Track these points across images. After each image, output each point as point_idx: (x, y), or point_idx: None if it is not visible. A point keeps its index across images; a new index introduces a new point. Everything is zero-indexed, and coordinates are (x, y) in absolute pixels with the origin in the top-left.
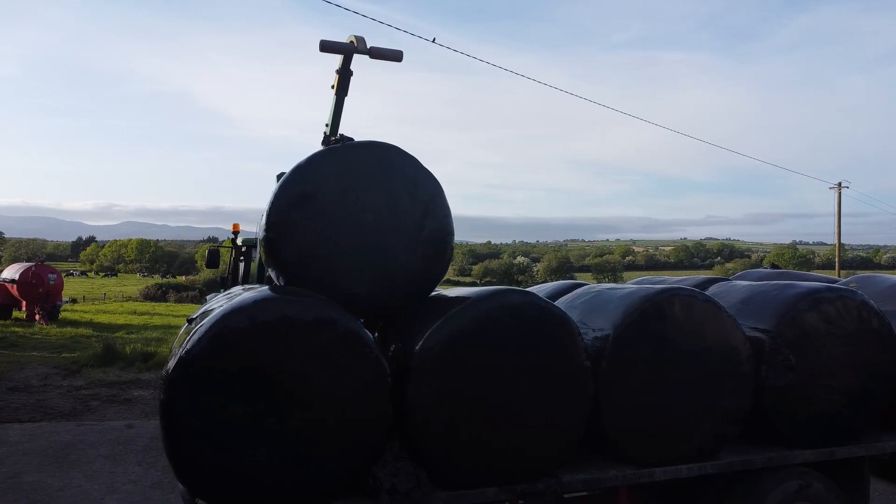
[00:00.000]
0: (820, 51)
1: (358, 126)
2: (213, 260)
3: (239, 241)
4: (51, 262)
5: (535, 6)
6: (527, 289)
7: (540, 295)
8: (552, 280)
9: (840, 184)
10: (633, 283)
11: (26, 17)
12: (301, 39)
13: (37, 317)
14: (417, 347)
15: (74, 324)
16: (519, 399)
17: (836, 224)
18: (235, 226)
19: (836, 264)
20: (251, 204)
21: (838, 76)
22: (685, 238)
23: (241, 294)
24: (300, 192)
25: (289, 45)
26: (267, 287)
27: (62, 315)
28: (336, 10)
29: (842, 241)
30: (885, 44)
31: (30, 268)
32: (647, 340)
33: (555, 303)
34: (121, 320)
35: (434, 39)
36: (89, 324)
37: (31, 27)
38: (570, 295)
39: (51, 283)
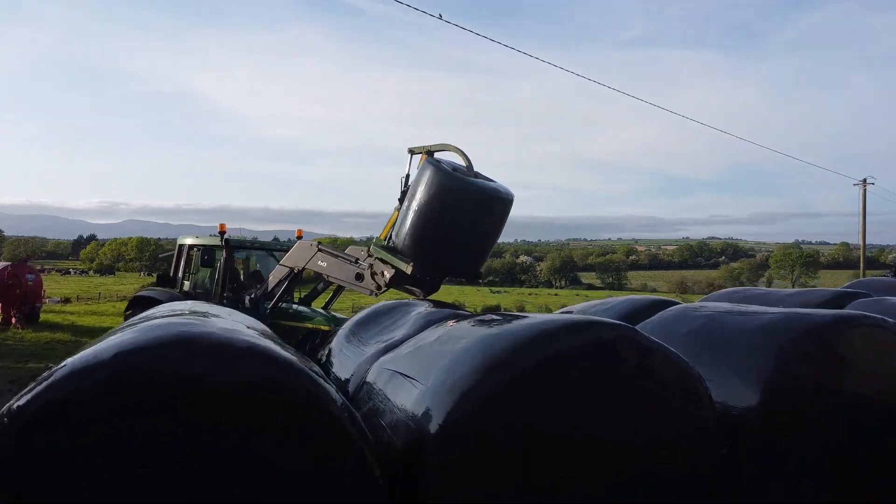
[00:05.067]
0: (825, 49)
1: (361, 125)
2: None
3: (198, 242)
4: (52, 261)
5: (539, 4)
6: (586, 310)
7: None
8: (557, 280)
9: (865, 180)
10: (716, 298)
11: (28, 16)
12: (306, 37)
13: (13, 320)
14: (437, 424)
15: (54, 327)
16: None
17: (861, 223)
18: (222, 226)
19: (861, 264)
20: (257, 203)
21: (844, 75)
22: (688, 237)
23: (162, 318)
24: None
25: (294, 43)
26: (206, 308)
27: (43, 318)
28: (340, 10)
29: (844, 241)
30: (891, 42)
31: (6, 267)
32: (813, 395)
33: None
34: (106, 322)
35: (440, 16)
36: (70, 327)
37: (33, 25)
38: (658, 318)
39: (29, 283)
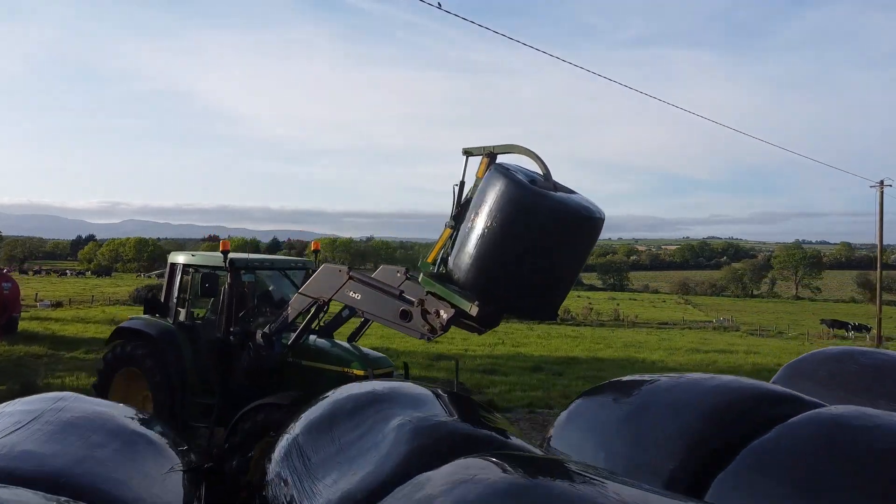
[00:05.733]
0: (824, 49)
1: (361, 125)
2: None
3: (194, 262)
4: (50, 261)
5: (538, 4)
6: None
7: None
8: None
9: (882, 182)
10: (816, 366)
11: (29, 15)
12: (306, 37)
13: None
14: None
15: (32, 339)
16: None
17: (878, 224)
18: (224, 243)
19: (878, 267)
20: (257, 203)
21: (844, 74)
22: (688, 237)
23: None
24: None
25: (295, 43)
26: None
27: (24, 325)
28: (340, 10)
29: (844, 241)
30: (891, 42)
31: None
32: None
33: None
34: (90, 332)
35: (440, 4)
36: (50, 338)
37: (34, 24)
38: (786, 445)
39: (5, 292)
